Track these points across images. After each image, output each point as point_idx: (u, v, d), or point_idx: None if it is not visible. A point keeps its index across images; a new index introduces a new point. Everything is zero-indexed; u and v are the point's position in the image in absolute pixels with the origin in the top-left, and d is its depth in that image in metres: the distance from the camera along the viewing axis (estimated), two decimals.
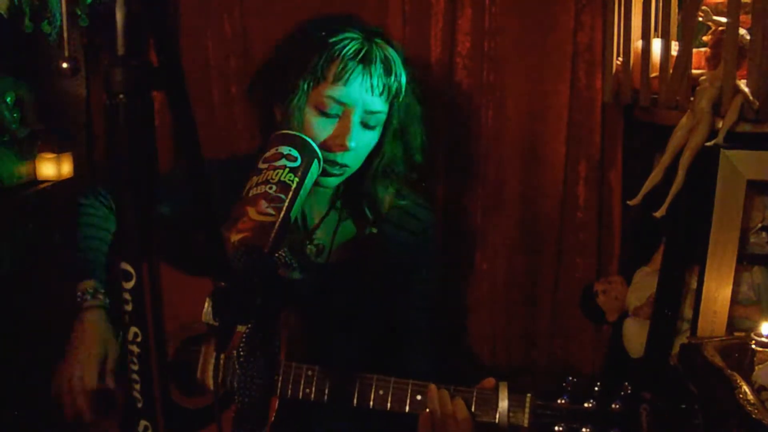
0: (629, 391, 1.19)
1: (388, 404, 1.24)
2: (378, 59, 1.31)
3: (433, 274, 1.55)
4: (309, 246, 1.42)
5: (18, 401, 1.52)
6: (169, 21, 1.82)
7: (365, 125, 1.33)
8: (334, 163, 1.33)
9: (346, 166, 1.35)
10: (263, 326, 1.14)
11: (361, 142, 1.34)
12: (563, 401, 1.20)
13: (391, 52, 1.34)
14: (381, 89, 1.32)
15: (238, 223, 1.01)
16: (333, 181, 1.38)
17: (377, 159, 1.40)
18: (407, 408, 1.23)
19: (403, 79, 1.35)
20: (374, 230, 1.43)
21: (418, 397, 1.23)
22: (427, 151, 1.48)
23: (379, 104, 1.33)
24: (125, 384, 1.26)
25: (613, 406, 1.18)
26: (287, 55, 1.36)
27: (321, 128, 1.32)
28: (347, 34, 1.31)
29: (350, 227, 1.45)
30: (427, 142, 1.46)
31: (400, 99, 1.36)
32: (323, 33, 1.32)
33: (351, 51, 1.29)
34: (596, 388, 1.20)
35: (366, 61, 1.30)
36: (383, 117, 1.36)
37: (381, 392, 1.24)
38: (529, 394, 1.22)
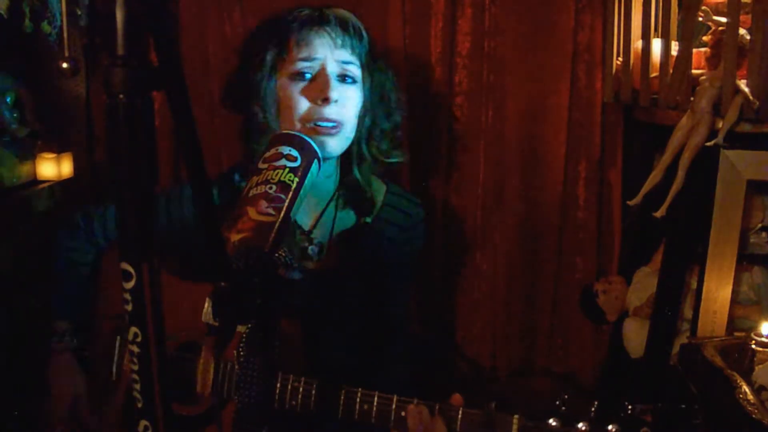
0: (629, 412, 1.11)
1: (372, 419, 1.23)
2: (332, 18, 1.37)
3: (413, 271, 1.57)
4: (311, 247, 1.43)
5: (18, 401, 1.52)
6: (170, 21, 1.82)
7: (342, 78, 1.37)
8: (326, 119, 1.34)
9: (337, 122, 1.35)
10: (263, 326, 1.14)
11: (344, 97, 1.36)
12: (555, 422, 1.13)
13: (345, 14, 1.39)
14: (342, 41, 1.36)
15: (238, 223, 1.01)
16: (334, 146, 1.37)
17: (364, 120, 1.42)
18: (391, 425, 1.22)
19: (364, 34, 1.39)
20: (368, 220, 1.46)
21: (403, 414, 1.20)
22: (403, 111, 1.49)
23: (346, 55, 1.37)
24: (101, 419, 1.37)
25: (610, 428, 1.10)
26: (250, 52, 1.41)
27: (301, 91, 1.35)
28: (299, 9, 1.38)
29: (350, 217, 1.47)
30: (402, 101, 1.49)
31: (366, 53, 1.40)
32: (278, 23, 1.38)
33: (305, 17, 1.36)
34: (593, 408, 1.13)
35: (321, 22, 1.36)
36: (358, 71, 1.39)
37: (365, 407, 1.23)
38: (516, 415, 1.16)
